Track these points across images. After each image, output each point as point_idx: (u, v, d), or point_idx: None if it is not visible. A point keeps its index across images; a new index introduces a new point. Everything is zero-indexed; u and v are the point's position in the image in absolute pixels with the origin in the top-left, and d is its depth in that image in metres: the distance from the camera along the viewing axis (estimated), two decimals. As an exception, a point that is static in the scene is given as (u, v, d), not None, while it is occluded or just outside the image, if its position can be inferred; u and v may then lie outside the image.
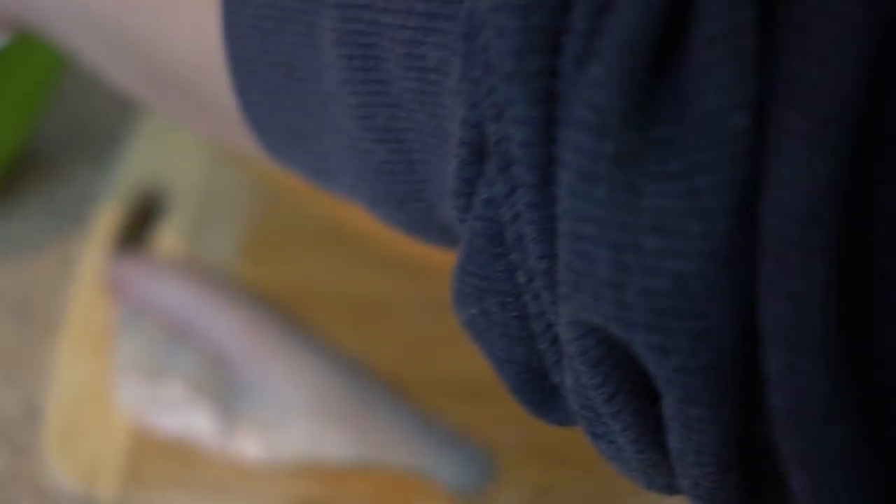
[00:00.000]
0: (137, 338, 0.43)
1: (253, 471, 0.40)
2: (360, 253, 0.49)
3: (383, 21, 0.22)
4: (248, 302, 0.45)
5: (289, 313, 0.46)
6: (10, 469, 0.42)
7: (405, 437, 0.42)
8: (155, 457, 0.40)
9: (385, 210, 0.25)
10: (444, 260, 0.24)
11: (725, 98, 0.16)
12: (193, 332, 0.43)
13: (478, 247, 0.20)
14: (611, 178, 0.17)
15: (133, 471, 0.40)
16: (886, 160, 0.16)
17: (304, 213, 0.51)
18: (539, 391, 0.22)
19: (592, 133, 0.17)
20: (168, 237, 0.49)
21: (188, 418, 0.41)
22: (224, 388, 0.42)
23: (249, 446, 0.40)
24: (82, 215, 0.54)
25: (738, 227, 0.16)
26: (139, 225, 0.50)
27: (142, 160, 0.53)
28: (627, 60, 0.17)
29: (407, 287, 0.47)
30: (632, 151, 0.17)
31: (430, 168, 0.23)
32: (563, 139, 0.18)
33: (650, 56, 0.17)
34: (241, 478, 0.40)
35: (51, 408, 0.42)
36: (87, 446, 0.41)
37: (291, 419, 0.41)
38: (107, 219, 0.50)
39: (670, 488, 0.21)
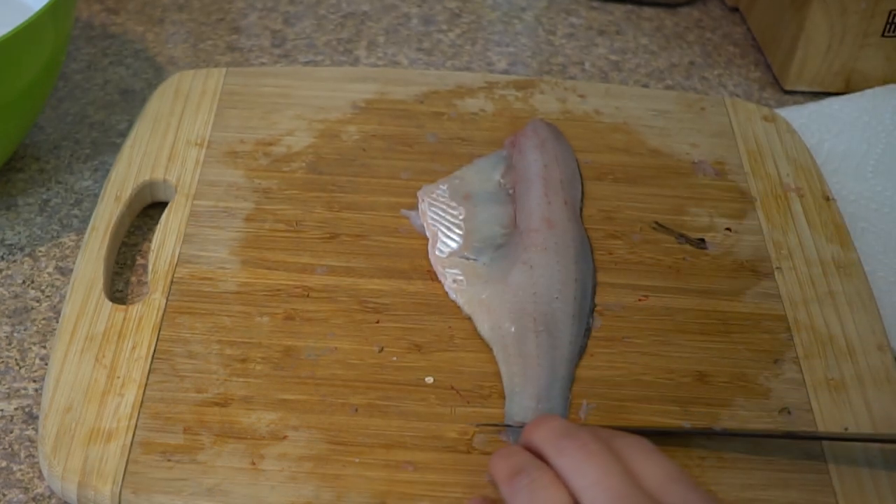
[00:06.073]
0: None
1: (247, 475, 0.40)
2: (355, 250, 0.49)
3: None
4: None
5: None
6: (6, 472, 0.42)
7: None
8: (151, 460, 0.40)
9: None
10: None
11: None
12: None
13: None
14: None
15: (129, 474, 0.39)
16: None
17: (301, 212, 0.51)
18: None
19: None
20: (165, 237, 0.49)
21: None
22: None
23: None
24: (78, 216, 0.54)
25: None
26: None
27: (139, 161, 0.53)
28: None
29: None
30: None
31: None
32: None
33: None
34: (236, 482, 0.40)
35: (46, 410, 0.41)
36: (83, 449, 0.40)
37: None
38: (104, 220, 0.49)
39: None
